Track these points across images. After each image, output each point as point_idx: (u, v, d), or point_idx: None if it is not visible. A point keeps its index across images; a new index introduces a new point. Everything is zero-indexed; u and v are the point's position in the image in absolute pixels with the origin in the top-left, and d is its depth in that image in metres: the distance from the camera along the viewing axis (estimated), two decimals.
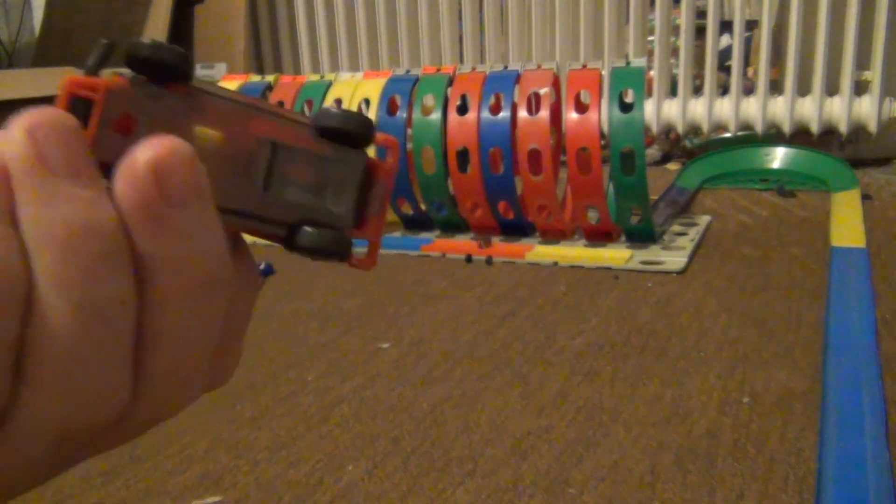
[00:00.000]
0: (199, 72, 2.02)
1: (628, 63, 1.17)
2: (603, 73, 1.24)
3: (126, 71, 0.20)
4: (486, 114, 1.20)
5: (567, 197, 1.31)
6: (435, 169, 1.25)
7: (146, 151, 0.18)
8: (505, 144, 1.19)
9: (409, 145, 1.27)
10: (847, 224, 1.28)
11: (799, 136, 1.80)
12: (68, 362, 0.18)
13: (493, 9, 1.95)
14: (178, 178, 0.19)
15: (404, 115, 1.27)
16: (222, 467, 0.64)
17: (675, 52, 1.88)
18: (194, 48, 2.04)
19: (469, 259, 1.22)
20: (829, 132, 1.80)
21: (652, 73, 1.87)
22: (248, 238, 0.23)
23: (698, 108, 1.84)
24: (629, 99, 1.13)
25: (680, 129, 1.87)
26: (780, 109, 1.77)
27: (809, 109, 1.75)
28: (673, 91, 1.88)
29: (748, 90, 1.84)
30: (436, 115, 1.24)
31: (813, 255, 1.15)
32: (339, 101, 1.33)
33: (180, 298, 0.19)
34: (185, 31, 2.04)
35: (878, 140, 1.80)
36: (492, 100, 1.21)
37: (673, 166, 1.98)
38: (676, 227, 1.32)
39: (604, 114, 1.24)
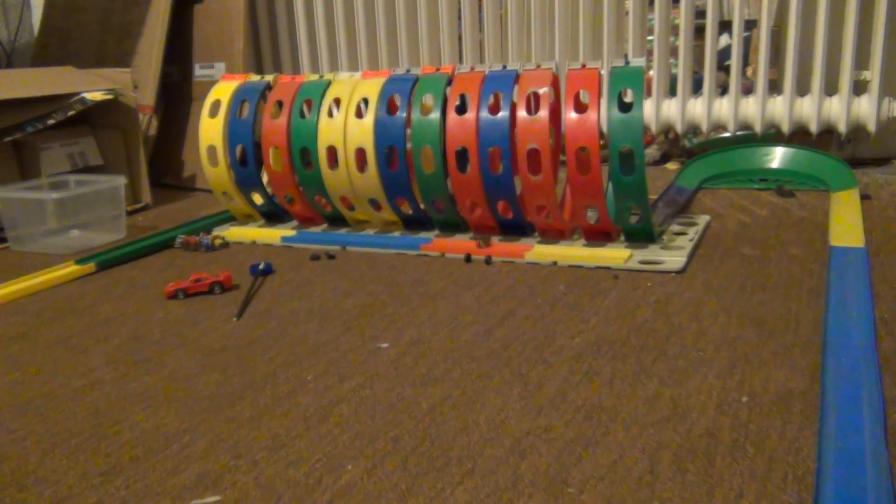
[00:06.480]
0: (199, 71, 2.02)
1: (627, 62, 1.17)
2: (602, 72, 1.24)
3: None
4: (485, 113, 1.20)
5: (566, 196, 1.31)
6: (434, 168, 1.25)
7: None
8: (504, 144, 1.19)
9: (409, 145, 1.27)
10: (846, 224, 1.28)
11: (798, 136, 1.80)
12: None
13: (493, 8, 1.95)
14: None
15: (403, 115, 1.27)
16: (221, 467, 0.64)
17: (674, 51, 1.88)
18: (193, 48, 2.04)
19: (468, 259, 1.22)
20: (828, 132, 1.80)
21: (651, 72, 1.87)
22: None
23: (697, 108, 1.84)
24: (628, 98, 1.13)
25: (679, 128, 1.87)
26: (780, 109, 1.77)
27: (808, 109, 1.75)
28: (672, 91, 1.88)
29: (747, 90, 1.84)
30: (435, 115, 1.24)
31: (812, 255, 1.15)
32: (338, 101, 1.33)
33: None
34: (184, 30, 2.04)
35: (876, 139, 1.80)
36: (491, 99, 1.21)
37: (672, 166, 1.99)
38: (675, 227, 1.32)
39: (603, 113, 1.24)
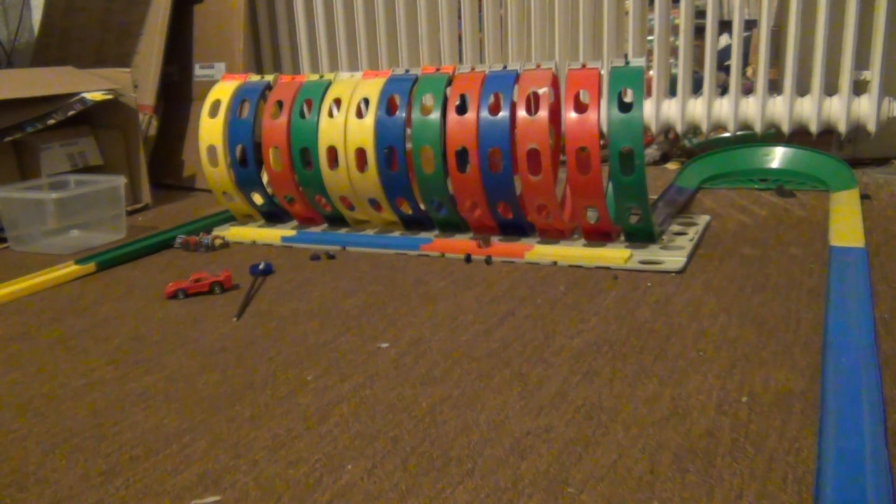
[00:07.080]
0: (199, 71, 2.02)
1: (627, 62, 1.17)
2: (602, 72, 1.24)
3: None
4: (485, 113, 1.20)
5: (566, 196, 1.31)
6: (434, 168, 1.25)
7: None
8: (504, 144, 1.19)
9: (409, 145, 1.27)
10: (846, 224, 1.28)
11: (798, 136, 1.80)
12: None
13: (493, 8, 1.95)
14: None
15: (403, 115, 1.27)
16: (221, 467, 0.64)
17: (674, 51, 1.88)
18: (193, 48, 2.04)
19: (468, 259, 1.22)
20: (828, 132, 1.80)
21: (651, 72, 1.87)
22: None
23: (697, 108, 1.84)
24: (628, 98, 1.13)
25: (679, 128, 1.87)
26: (780, 109, 1.77)
27: (808, 109, 1.75)
28: (672, 91, 1.88)
29: (747, 90, 1.84)
30: (435, 115, 1.24)
31: (812, 255, 1.15)
32: (338, 101, 1.33)
33: None
34: (184, 30, 2.04)
35: (877, 140, 1.80)
36: (491, 99, 1.21)
37: (672, 166, 1.99)
38: (675, 227, 1.32)
39: (603, 113, 1.24)
